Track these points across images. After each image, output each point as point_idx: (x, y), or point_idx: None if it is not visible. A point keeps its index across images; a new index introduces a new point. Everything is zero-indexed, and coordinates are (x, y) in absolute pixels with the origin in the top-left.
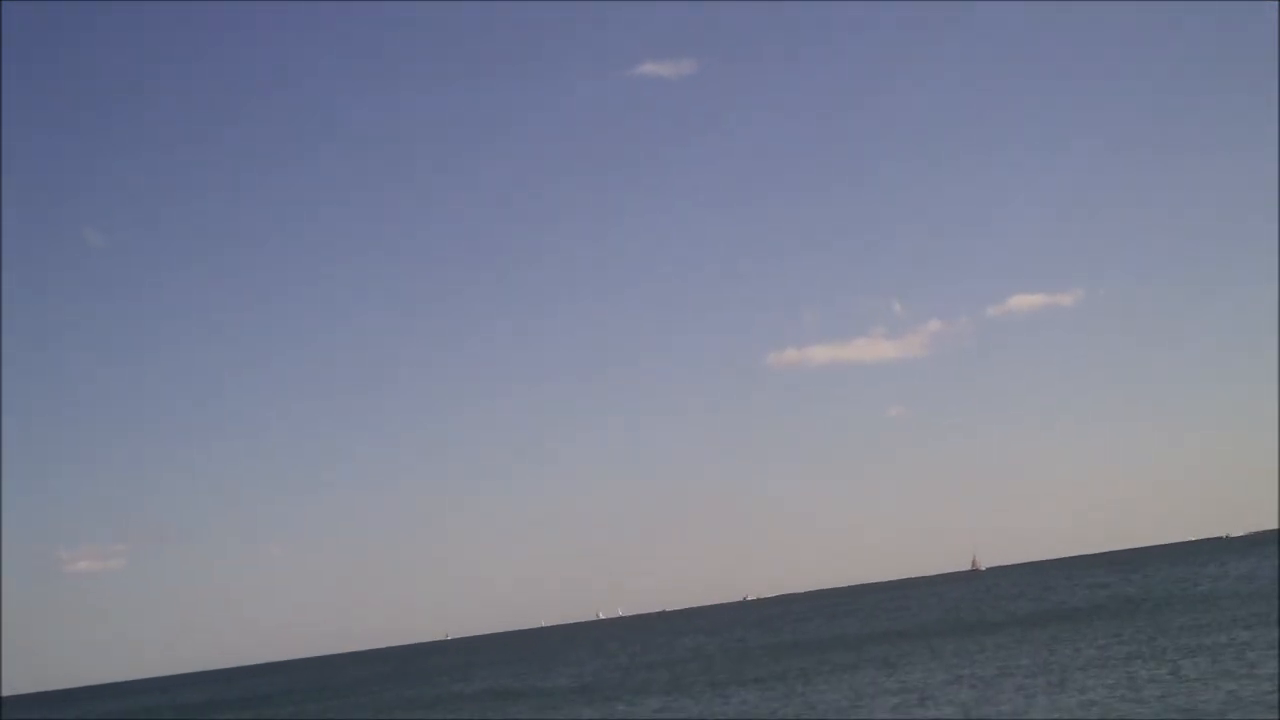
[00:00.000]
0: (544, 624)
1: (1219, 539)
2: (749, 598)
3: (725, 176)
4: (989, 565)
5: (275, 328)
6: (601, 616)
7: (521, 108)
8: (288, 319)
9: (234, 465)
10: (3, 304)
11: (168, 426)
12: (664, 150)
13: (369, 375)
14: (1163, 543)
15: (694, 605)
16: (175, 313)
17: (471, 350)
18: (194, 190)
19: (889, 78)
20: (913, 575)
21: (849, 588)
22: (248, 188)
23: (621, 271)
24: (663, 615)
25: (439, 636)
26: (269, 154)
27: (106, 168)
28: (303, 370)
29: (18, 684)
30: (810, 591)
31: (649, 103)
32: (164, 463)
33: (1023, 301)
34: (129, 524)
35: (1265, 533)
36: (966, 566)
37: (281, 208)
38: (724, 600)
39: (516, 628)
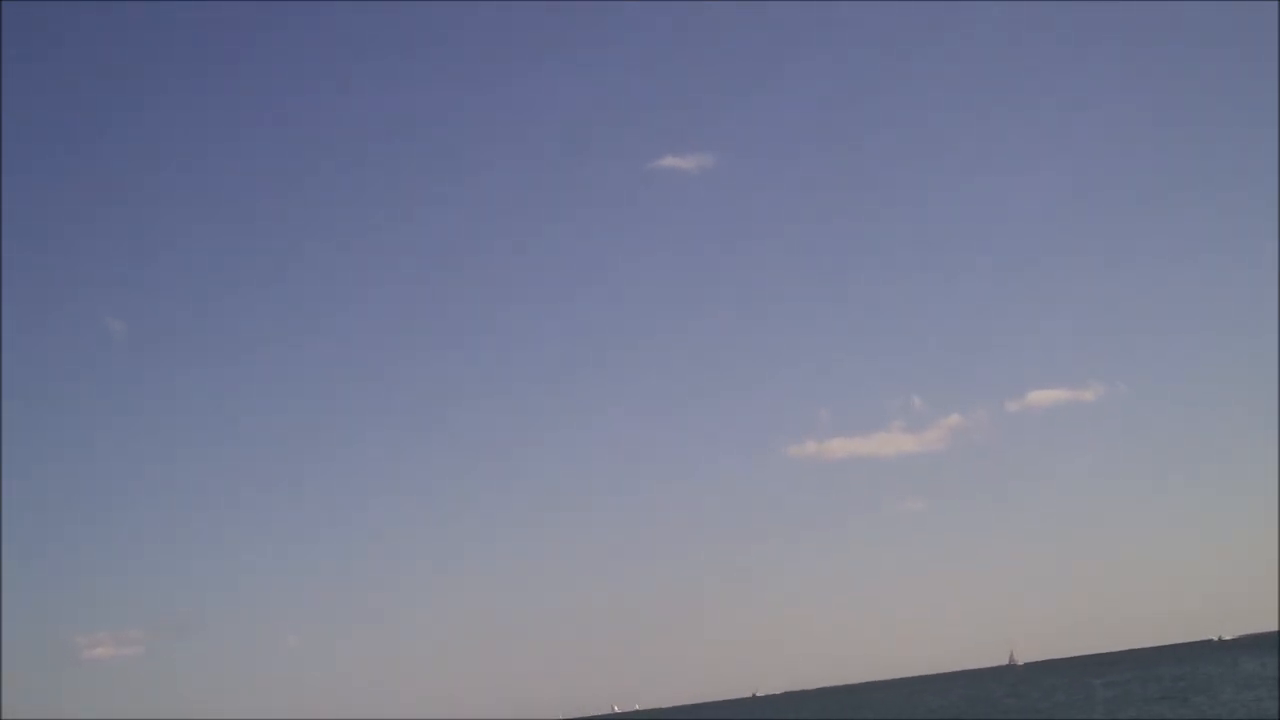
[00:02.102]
0: (559, 716)
1: (1210, 641)
2: (758, 694)
3: (746, 269)
4: (1027, 660)
5: (296, 422)
6: (617, 710)
7: (539, 199)
8: (310, 413)
9: (253, 553)
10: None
11: (188, 513)
12: (683, 242)
13: (390, 462)
14: (1169, 642)
15: (701, 700)
16: (194, 397)
17: (489, 436)
18: (207, 280)
19: (908, 175)
20: (947, 670)
21: (867, 684)
22: (258, 280)
23: (640, 363)
24: (676, 709)
25: None
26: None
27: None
28: (321, 461)
29: None
30: (822, 688)
31: (668, 195)
32: (183, 549)
33: (1042, 396)
34: (146, 611)
35: (1259, 635)
36: (1004, 661)
37: (311, 302)
38: (731, 696)
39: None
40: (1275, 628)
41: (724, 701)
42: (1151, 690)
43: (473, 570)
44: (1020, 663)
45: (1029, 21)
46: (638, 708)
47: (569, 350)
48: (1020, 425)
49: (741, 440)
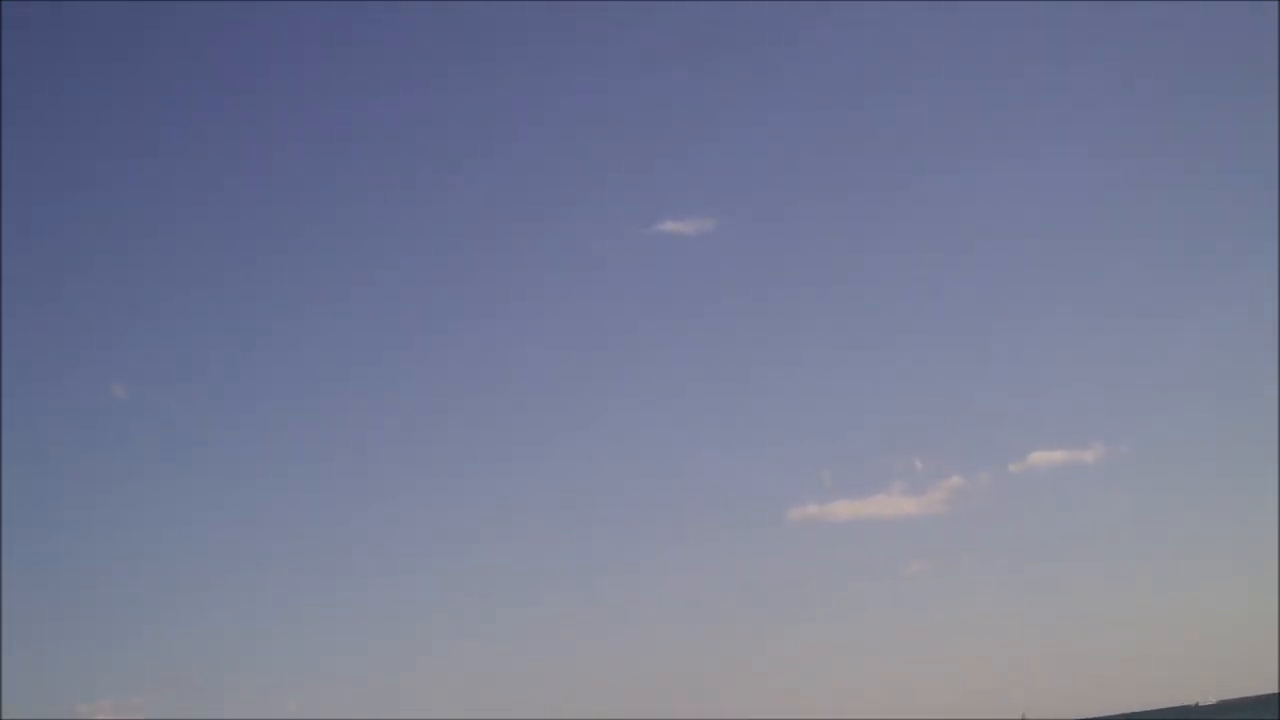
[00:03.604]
0: None
1: (1188, 705)
2: None
3: (747, 333)
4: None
5: (301, 492)
6: None
7: (538, 264)
8: (310, 474)
9: (254, 621)
10: (7, 454)
11: (188, 580)
12: (684, 308)
13: (392, 529)
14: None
15: None
16: (201, 465)
17: (478, 496)
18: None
19: (909, 237)
20: None
21: None
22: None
23: (642, 427)
24: None
25: None
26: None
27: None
28: (327, 523)
29: None
30: None
31: (669, 260)
32: (186, 616)
33: (1043, 458)
34: (147, 678)
35: (1236, 701)
36: None
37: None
38: None
39: None
40: (1269, 690)
41: None
42: None
43: (469, 641)
44: None
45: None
46: None
47: (560, 415)
48: (1022, 486)
49: (742, 503)
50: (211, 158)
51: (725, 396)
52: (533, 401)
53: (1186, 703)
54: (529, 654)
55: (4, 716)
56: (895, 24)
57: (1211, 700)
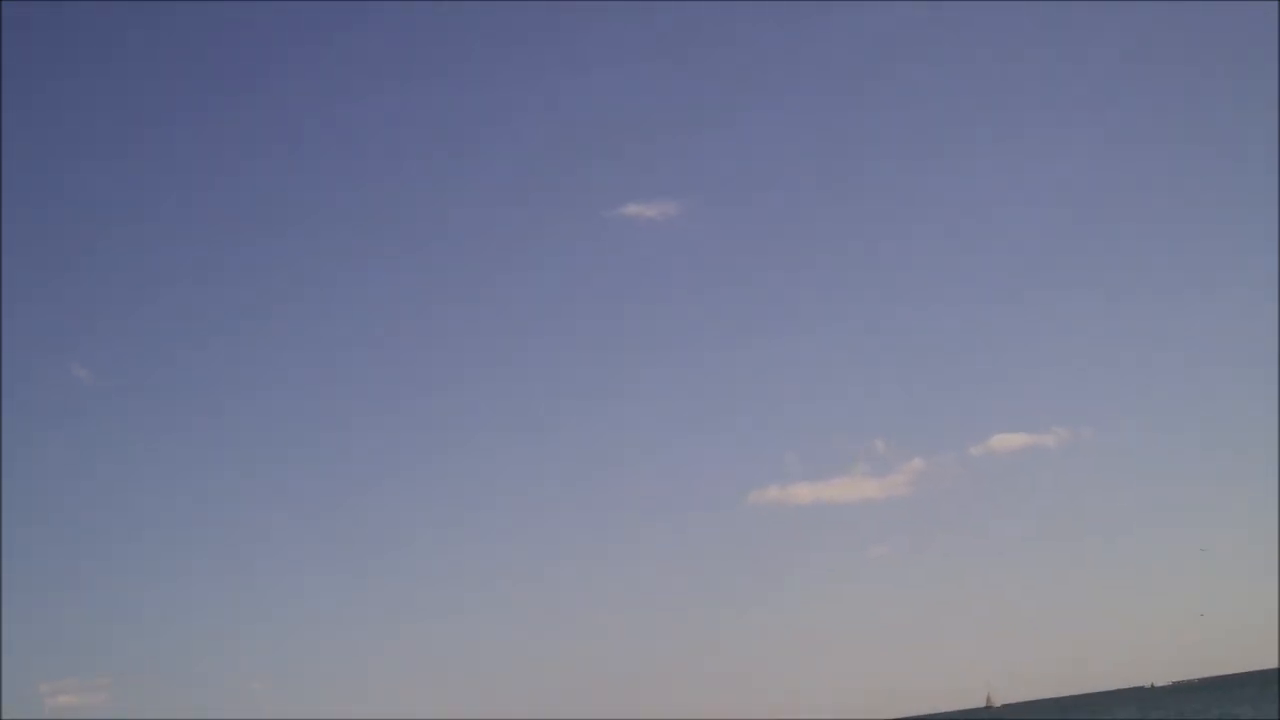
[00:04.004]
0: None
1: (1141, 688)
2: None
3: (707, 314)
4: (1004, 702)
5: (259, 468)
6: None
7: (501, 248)
8: (272, 459)
9: (219, 599)
10: None
11: (152, 562)
12: (647, 290)
13: (356, 519)
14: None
15: None
16: (163, 447)
17: (430, 504)
18: (185, 297)
19: (871, 222)
20: (922, 713)
21: None
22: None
23: (602, 408)
24: None
25: None
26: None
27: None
28: (289, 506)
29: None
30: None
31: (631, 243)
32: (150, 595)
33: (1005, 441)
34: (112, 658)
35: (1190, 682)
36: (981, 703)
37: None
38: None
39: None
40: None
41: None
42: None
43: (429, 630)
44: (998, 704)
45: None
46: None
47: (521, 399)
48: (985, 469)
49: (702, 486)
50: (186, 151)
51: (686, 379)
52: (493, 386)
53: (1141, 684)
54: (489, 642)
55: None
56: (863, 15)
57: (1166, 682)
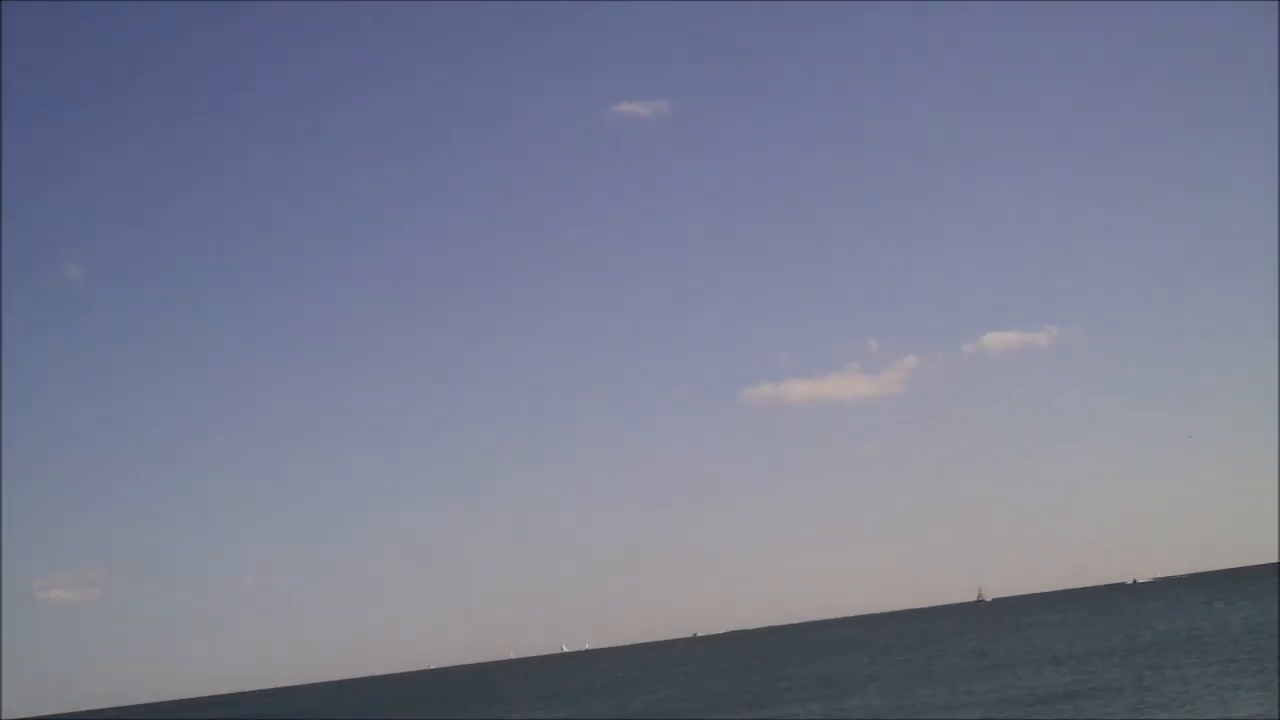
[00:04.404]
0: (511, 656)
1: (1120, 584)
2: (698, 634)
3: (701, 213)
4: (995, 596)
5: (247, 359)
6: (565, 649)
7: (500, 145)
8: (261, 350)
9: (209, 494)
10: None
11: (143, 455)
12: (640, 188)
13: (344, 407)
14: (1112, 582)
15: (652, 640)
16: (152, 342)
17: (445, 387)
18: (177, 202)
19: (861, 116)
20: (913, 607)
21: (821, 622)
22: (227, 207)
23: (599, 305)
24: (623, 649)
25: (419, 666)
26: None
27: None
28: (277, 400)
29: None
30: (762, 628)
31: (626, 141)
32: (139, 490)
33: (997, 339)
34: (104, 554)
35: (1168, 579)
36: (972, 598)
37: (262, 234)
38: (675, 636)
39: (484, 659)
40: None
41: (667, 641)
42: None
43: (425, 511)
44: (989, 599)
45: None
46: (587, 647)
47: (521, 296)
48: (977, 367)
49: (697, 384)
50: (179, 55)
51: (678, 277)
52: (487, 277)
53: (1123, 580)
54: (481, 534)
55: None
56: None
57: (1146, 578)
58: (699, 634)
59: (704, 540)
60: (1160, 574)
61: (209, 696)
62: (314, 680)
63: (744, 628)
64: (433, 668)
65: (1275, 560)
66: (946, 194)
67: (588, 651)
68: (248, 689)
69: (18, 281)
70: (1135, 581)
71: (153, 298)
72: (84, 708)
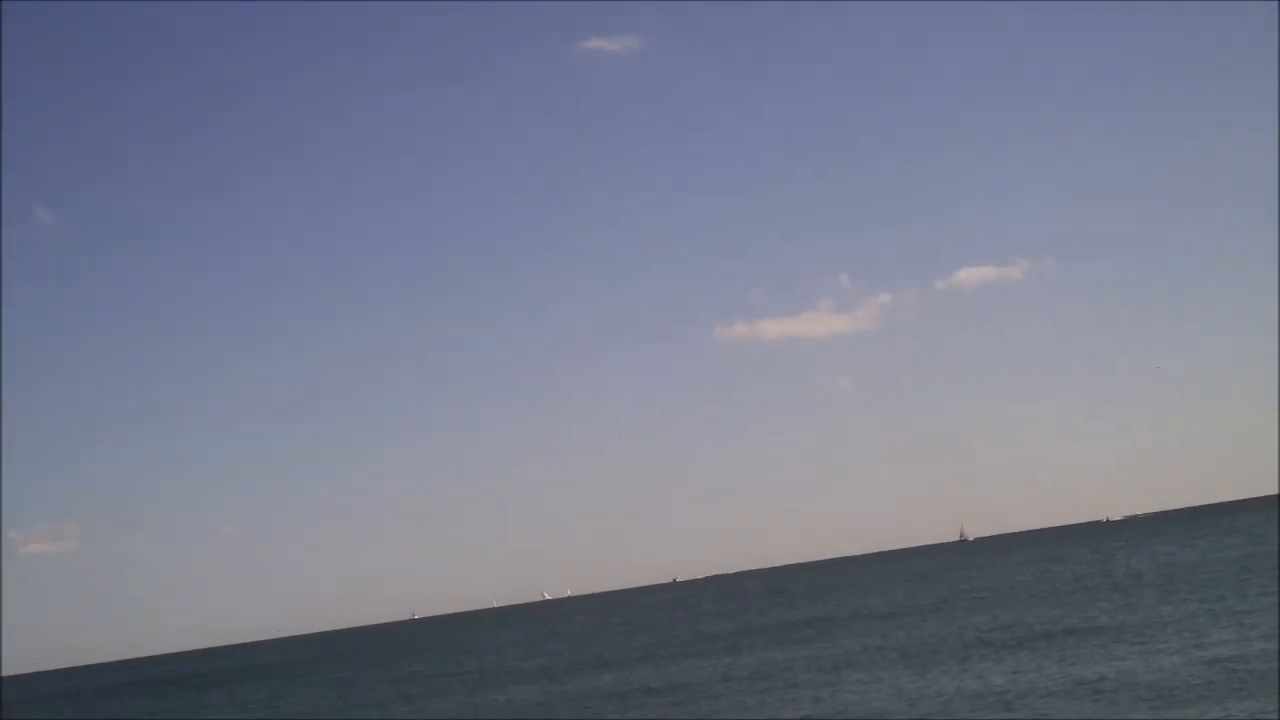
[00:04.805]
0: (494, 604)
1: (1095, 523)
2: (678, 579)
3: (669, 153)
4: (978, 535)
5: (231, 307)
6: (547, 596)
7: (467, 85)
8: (244, 298)
9: (186, 446)
10: None
11: (118, 407)
12: (609, 126)
13: (321, 357)
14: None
15: (627, 587)
16: (128, 292)
17: (419, 327)
18: (164, 176)
19: (830, 54)
20: (897, 547)
21: (803, 564)
22: (209, 176)
23: (567, 248)
24: (602, 595)
25: (403, 616)
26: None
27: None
28: (256, 350)
29: None
30: (742, 572)
31: (595, 78)
32: (115, 443)
33: (971, 275)
34: (81, 506)
35: (1140, 517)
36: (955, 537)
37: (236, 188)
38: (654, 581)
39: (468, 608)
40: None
41: (647, 587)
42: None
43: (403, 463)
44: (971, 538)
45: None
46: (569, 594)
47: (497, 230)
48: (950, 302)
49: (670, 321)
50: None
51: (649, 216)
52: (458, 212)
53: (1097, 518)
54: (460, 482)
55: None
56: None
57: (1119, 516)
58: (678, 579)
59: (681, 483)
60: (1135, 511)
61: (189, 650)
62: (295, 633)
63: (724, 572)
64: (417, 617)
65: (1253, 495)
66: (918, 130)
67: (569, 599)
68: (229, 642)
69: None
70: (1108, 520)
71: (130, 248)
72: (64, 664)
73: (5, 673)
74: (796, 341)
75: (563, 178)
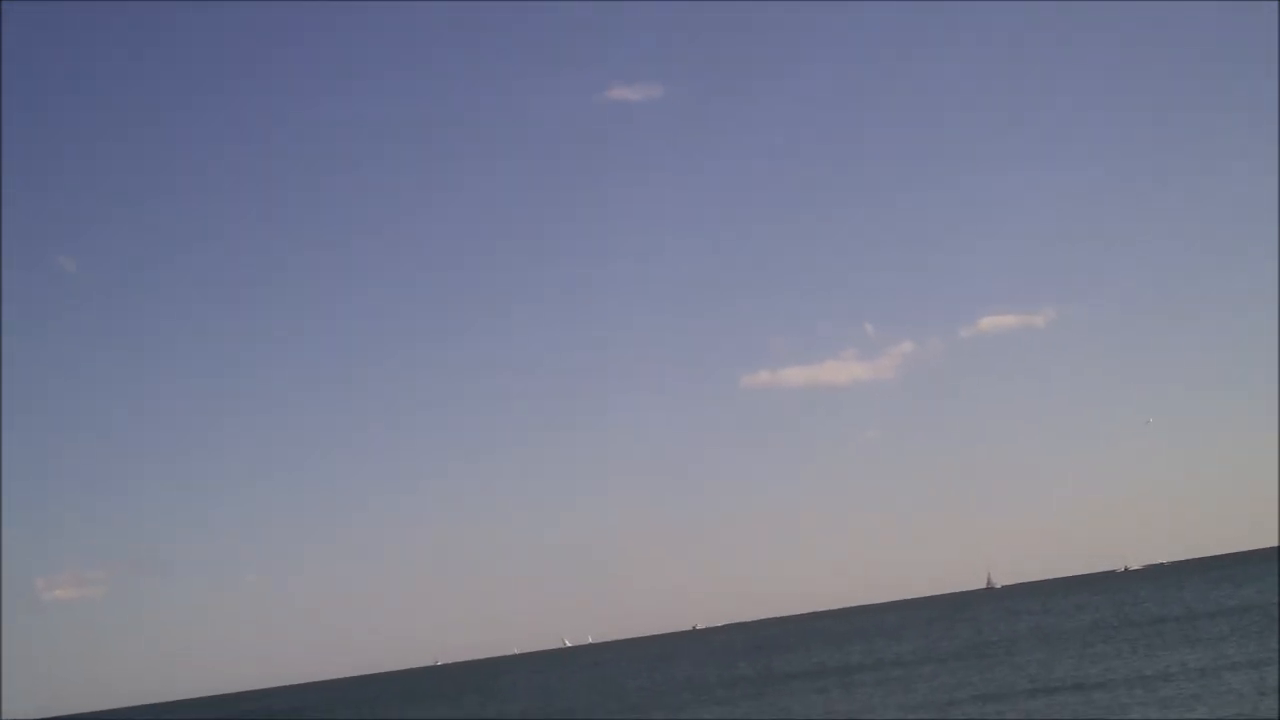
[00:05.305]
0: (515, 651)
1: (1111, 572)
2: (698, 626)
3: (695, 200)
4: (1005, 583)
5: (261, 354)
6: (568, 644)
7: (493, 133)
8: (274, 345)
9: (212, 493)
10: None
11: (144, 453)
12: (633, 174)
13: (348, 406)
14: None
15: (650, 634)
16: (154, 337)
17: (443, 383)
18: (176, 193)
19: (855, 103)
20: (924, 595)
21: (825, 612)
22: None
23: (592, 295)
24: (625, 642)
25: (426, 662)
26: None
27: (88, 181)
28: (285, 397)
29: None
30: (764, 619)
31: (618, 127)
32: (143, 489)
33: (994, 322)
34: (107, 552)
35: (1160, 565)
36: (982, 585)
37: (260, 237)
38: (674, 629)
39: (488, 655)
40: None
41: (668, 635)
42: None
43: (427, 508)
44: (998, 585)
45: None
46: (590, 640)
47: (519, 276)
48: (974, 350)
49: (694, 371)
50: (177, 53)
51: (674, 265)
52: (482, 268)
53: (1113, 568)
54: (482, 529)
55: None
56: None
57: (1138, 565)
58: (698, 626)
59: (703, 530)
60: (1156, 560)
61: (213, 696)
62: (318, 678)
63: (745, 619)
64: (439, 664)
65: (1273, 545)
66: (941, 178)
67: (590, 645)
68: (252, 687)
69: (14, 276)
70: (1126, 569)
71: (153, 292)
72: (88, 708)
73: (20, 718)
74: (820, 389)
75: (586, 227)
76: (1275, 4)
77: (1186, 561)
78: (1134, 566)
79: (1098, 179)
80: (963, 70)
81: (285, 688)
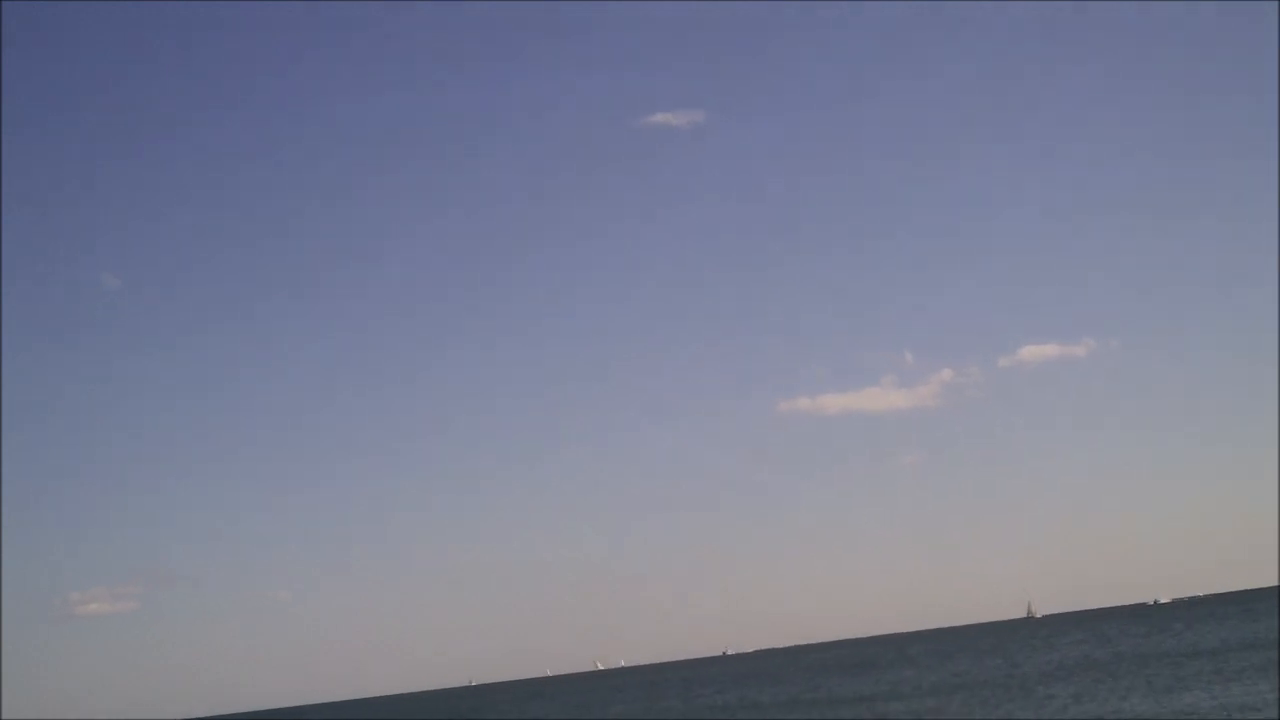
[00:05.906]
0: (549, 673)
1: (1143, 604)
2: (729, 651)
3: (735, 225)
4: (1046, 613)
5: (296, 368)
6: (600, 667)
7: (535, 154)
8: (302, 361)
9: (245, 508)
10: (5, 343)
11: (179, 469)
12: (674, 197)
13: (384, 419)
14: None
15: (682, 658)
16: (188, 353)
17: (483, 400)
18: (210, 210)
19: (897, 128)
20: (962, 624)
21: (863, 639)
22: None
23: (632, 319)
24: (664, 666)
25: (461, 683)
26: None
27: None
28: (317, 411)
29: None
30: (798, 645)
31: (659, 151)
32: (177, 504)
33: (1035, 351)
34: (141, 566)
35: (1190, 599)
36: (1022, 614)
37: (302, 258)
38: (705, 654)
39: (522, 676)
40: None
41: (699, 659)
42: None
43: (460, 526)
44: (1039, 614)
45: None
46: (621, 664)
47: (555, 307)
48: (1013, 380)
49: (732, 397)
50: (207, 65)
51: (714, 288)
52: (521, 288)
53: (1146, 600)
54: (521, 544)
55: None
56: None
57: (1167, 599)
58: (729, 651)
59: (739, 556)
60: (1189, 593)
61: (245, 713)
62: (349, 696)
63: (777, 645)
64: (472, 684)
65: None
66: (983, 205)
67: (621, 669)
68: (284, 704)
69: (52, 291)
70: (1157, 601)
71: (189, 307)
72: None
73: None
74: (858, 416)
75: (627, 251)
76: (1275, 3)
77: (1222, 595)
78: (1163, 600)
79: (1140, 212)
80: (1009, 98)
81: (317, 704)
